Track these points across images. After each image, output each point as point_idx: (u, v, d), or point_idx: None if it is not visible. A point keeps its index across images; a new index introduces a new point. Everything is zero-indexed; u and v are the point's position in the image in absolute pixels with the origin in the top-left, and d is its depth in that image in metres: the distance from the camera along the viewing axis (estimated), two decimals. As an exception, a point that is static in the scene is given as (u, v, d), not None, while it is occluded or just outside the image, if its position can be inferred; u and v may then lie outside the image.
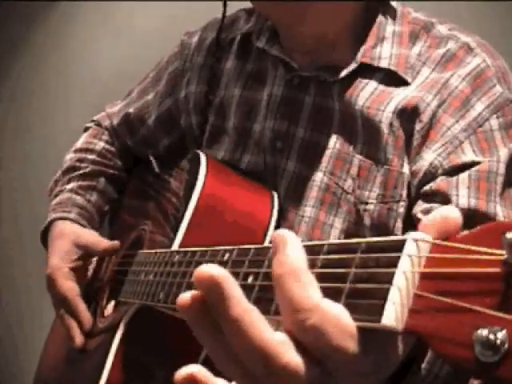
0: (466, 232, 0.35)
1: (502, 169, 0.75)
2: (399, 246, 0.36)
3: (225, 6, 0.96)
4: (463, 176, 0.75)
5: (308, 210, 0.84)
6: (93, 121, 1.19)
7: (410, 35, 0.84)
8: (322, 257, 0.42)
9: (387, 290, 0.35)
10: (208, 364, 0.45)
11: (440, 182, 0.75)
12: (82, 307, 0.94)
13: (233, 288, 0.37)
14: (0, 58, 1.70)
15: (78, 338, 0.93)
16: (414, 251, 0.36)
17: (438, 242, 0.35)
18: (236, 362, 0.38)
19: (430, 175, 0.76)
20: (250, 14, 0.98)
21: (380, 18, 0.85)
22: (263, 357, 0.37)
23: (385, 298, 0.35)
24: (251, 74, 0.94)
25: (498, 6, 1.11)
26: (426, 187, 0.76)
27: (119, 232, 1.07)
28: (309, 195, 0.85)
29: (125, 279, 0.88)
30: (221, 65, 0.98)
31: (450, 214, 0.37)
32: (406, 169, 0.79)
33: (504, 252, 0.32)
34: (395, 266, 0.35)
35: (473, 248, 0.33)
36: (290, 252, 0.38)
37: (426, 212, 0.74)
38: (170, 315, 0.77)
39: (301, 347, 0.37)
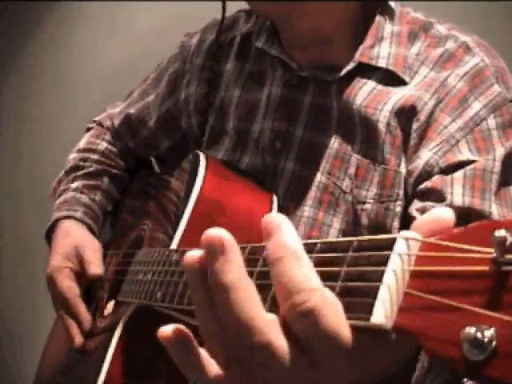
0: (456, 230, 0.35)
1: (497, 167, 0.74)
2: (390, 245, 0.36)
3: (224, 6, 0.96)
4: (458, 174, 0.74)
5: (306, 210, 0.84)
6: (94, 121, 1.19)
7: (408, 35, 0.84)
8: (314, 255, 0.42)
9: (377, 288, 0.35)
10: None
11: (435, 180, 0.75)
12: (81, 307, 0.94)
13: (237, 256, 0.38)
14: (2, 58, 1.71)
15: (77, 338, 0.93)
16: (404, 249, 0.36)
17: (428, 240, 0.35)
18: (222, 335, 0.38)
19: (426, 174, 0.76)
20: (249, 15, 0.99)
21: (378, 18, 0.85)
22: (248, 330, 0.37)
23: (375, 297, 0.35)
24: (250, 74, 0.94)
25: (494, 6, 1.11)
26: (422, 186, 0.76)
27: (120, 232, 1.07)
28: (307, 195, 0.85)
29: (124, 279, 0.88)
30: (221, 66, 0.98)
31: (442, 214, 0.37)
32: (403, 168, 0.79)
33: (493, 250, 0.31)
34: (385, 264, 0.36)
35: (463, 246, 0.33)
36: (289, 234, 0.38)
37: (421, 210, 0.74)
38: (169, 314, 0.77)
39: (290, 334, 0.37)
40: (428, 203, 0.74)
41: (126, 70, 1.48)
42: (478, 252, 0.32)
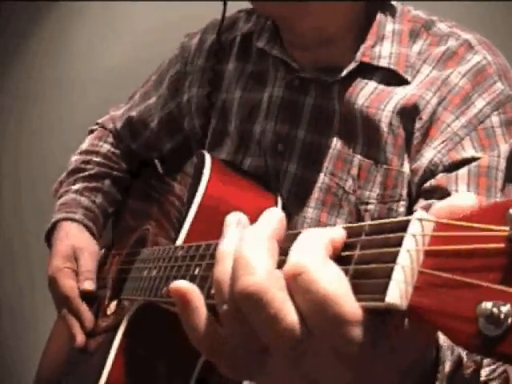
0: (470, 211, 0.35)
1: (502, 164, 0.75)
2: (403, 226, 0.36)
3: (225, 6, 0.96)
4: (463, 171, 0.75)
5: (310, 212, 0.84)
6: (97, 123, 1.20)
7: (410, 33, 0.84)
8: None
9: (391, 269, 0.35)
10: (210, 362, 0.45)
11: (440, 179, 0.75)
12: (83, 307, 0.94)
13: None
14: (2, 59, 1.71)
15: (79, 337, 0.93)
16: (419, 230, 0.36)
17: (442, 220, 0.35)
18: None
19: (430, 172, 0.77)
20: (249, 15, 0.99)
21: (380, 17, 0.85)
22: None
23: (389, 277, 0.35)
24: (252, 75, 0.94)
25: (494, 6, 1.12)
26: (426, 184, 0.76)
27: (123, 233, 1.07)
28: (310, 197, 0.85)
29: (127, 277, 0.88)
30: (222, 66, 0.98)
31: (464, 200, 0.36)
32: (405, 168, 0.79)
33: (508, 228, 0.32)
34: (399, 245, 0.36)
35: (477, 225, 0.33)
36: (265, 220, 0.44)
37: (426, 209, 0.74)
38: (172, 311, 0.76)
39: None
40: (433, 201, 0.74)
41: (126, 70, 1.48)
42: (493, 230, 0.32)
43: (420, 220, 0.36)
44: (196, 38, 1.03)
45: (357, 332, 0.36)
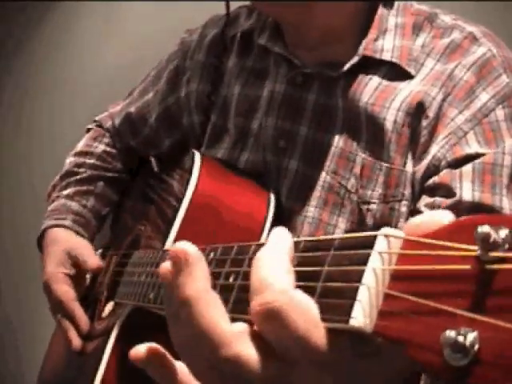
0: (439, 227, 0.32)
1: (507, 160, 0.72)
2: (370, 243, 0.34)
3: (228, 3, 0.95)
4: (467, 168, 0.72)
5: (311, 210, 0.82)
6: (95, 121, 1.18)
7: (413, 26, 0.82)
8: (298, 254, 0.40)
9: (356, 289, 0.33)
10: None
11: (443, 175, 0.73)
12: (78, 310, 0.94)
13: (200, 269, 0.37)
14: (1, 59, 1.71)
15: (76, 341, 0.93)
16: (385, 248, 0.33)
17: (409, 237, 0.33)
18: (193, 348, 0.37)
19: (434, 168, 0.74)
20: (250, 11, 0.97)
21: (382, 11, 0.83)
22: (214, 343, 0.36)
23: (354, 298, 0.33)
24: (252, 71, 0.93)
25: (494, 7, 1.09)
26: (430, 181, 0.74)
27: (120, 233, 1.06)
28: (312, 195, 0.83)
29: (120, 280, 0.87)
30: (222, 63, 0.96)
31: (442, 217, 0.33)
32: (409, 167, 0.77)
33: (476, 248, 0.29)
34: (365, 263, 0.33)
35: (446, 244, 0.31)
36: (272, 233, 0.39)
37: (430, 206, 0.73)
38: (164, 316, 0.75)
39: (259, 339, 0.36)
40: (437, 199, 0.73)
41: (125, 70, 1.47)
42: (462, 250, 0.30)
43: (387, 236, 0.34)
44: (196, 34, 1.02)
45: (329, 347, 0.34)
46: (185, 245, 0.37)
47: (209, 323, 0.36)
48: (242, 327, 0.37)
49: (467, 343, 0.28)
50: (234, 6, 0.97)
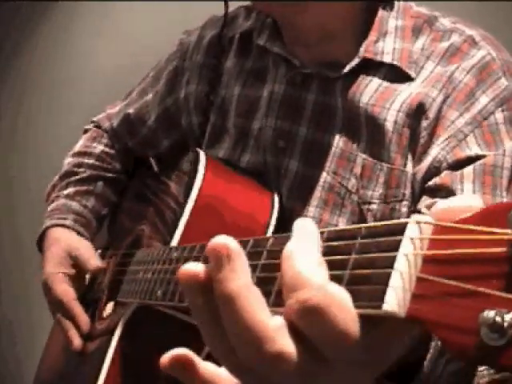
0: (470, 213, 0.33)
1: (507, 162, 0.73)
2: (401, 229, 0.35)
3: (226, 3, 0.95)
4: (468, 170, 0.73)
5: (312, 211, 0.83)
6: (93, 122, 1.18)
7: (413, 29, 0.83)
8: (322, 244, 0.40)
9: (388, 275, 0.34)
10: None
11: (444, 177, 0.74)
12: (78, 310, 0.94)
13: (243, 263, 0.36)
14: (1, 58, 1.70)
15: (76, 341, 0.92)
16: (416, 233, 0.34)
17: (441, 223, 0.34)
18: (232, 351, 0.37)
19: (435, 170, 0.75)
20: (249, 12, 0.97)
21: (382, 13, 0.84)
22: (256, 340, 0.35)
23: (386, 283, 0.33)
24: (251, 71, 0.93)
25: (495, 7, 1.10)
26: (431, 182, 0.75)
27: (118, 234, 1.06)
28: (312, 195, 0.83)
29: (123, 279, 0.87)
30: (221, 63, 0.97)
31: (470, 201, 0.34)
32: (409, 168, 0.78)
33: (510, 231, 0.30)
34: (396, 249, 0.34)
35: (477, 228, 0.32)
36: (305, 229, 0.39)
37: (430, 207, 0.73)
38: (169, 314, 0.75)
39: (297, 333, 0.36)
40: (437, 200, 0.73)
41: (123, 70, 1.47)
42: (494, 234, 0.31)
43: (418, 222, 0.34)
44: (195, 35, 1.02)
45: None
46: (226, 239, 0.36)
47: (253, 318, 0.35)
48: (280, 321, 0.36)
49: (505, 324, 0.29)
50: (233, 6, 0.98)
